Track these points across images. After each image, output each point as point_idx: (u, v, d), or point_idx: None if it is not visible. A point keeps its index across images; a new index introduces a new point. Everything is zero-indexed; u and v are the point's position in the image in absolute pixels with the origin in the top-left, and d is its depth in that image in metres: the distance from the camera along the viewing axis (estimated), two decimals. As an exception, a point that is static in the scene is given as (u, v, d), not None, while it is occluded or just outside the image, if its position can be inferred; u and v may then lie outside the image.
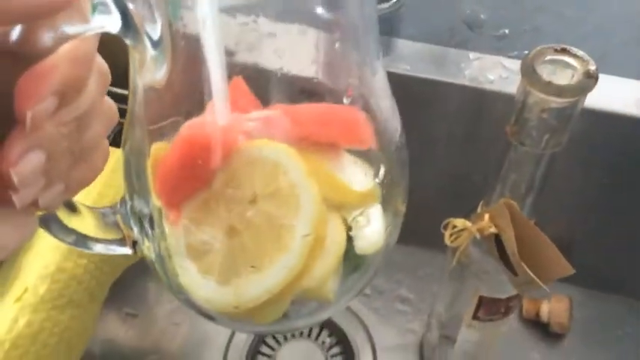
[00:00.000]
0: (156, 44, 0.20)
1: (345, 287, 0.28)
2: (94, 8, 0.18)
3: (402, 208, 0.30)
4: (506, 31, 0.49)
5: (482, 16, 0.50)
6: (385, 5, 0.50)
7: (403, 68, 0.47)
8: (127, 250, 0.28)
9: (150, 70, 0.21)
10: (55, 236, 0.25)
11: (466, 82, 0.46)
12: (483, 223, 0.38)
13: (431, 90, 0.47)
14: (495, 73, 0.46)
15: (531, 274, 0.36)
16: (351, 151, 0.27)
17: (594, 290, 0.59)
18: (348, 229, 0.27)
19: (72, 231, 0.25)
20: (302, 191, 0.24)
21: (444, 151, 0.51)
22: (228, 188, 0.24)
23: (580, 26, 0.49)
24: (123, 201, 0.27)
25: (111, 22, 0.19)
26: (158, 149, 0.25)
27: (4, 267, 0.43)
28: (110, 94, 0.22)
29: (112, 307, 0.58)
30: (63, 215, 0.25)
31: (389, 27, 0.49)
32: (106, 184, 0.44)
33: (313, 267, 0.25)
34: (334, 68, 0.25)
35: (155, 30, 0.20)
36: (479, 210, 0.41)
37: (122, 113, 0.24)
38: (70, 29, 0.17)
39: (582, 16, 0.50)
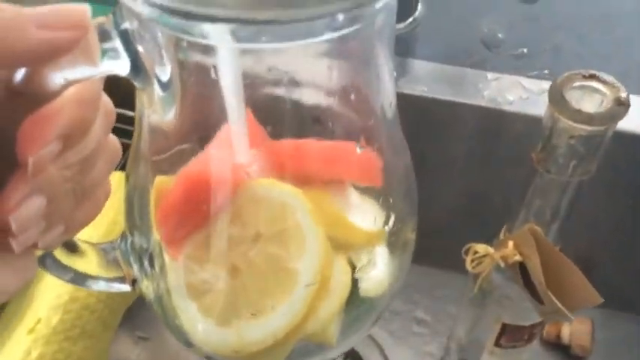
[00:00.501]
0: (165, 86, 0.20)
1: (348, 329, 0.27)
2: (104, 53, 0.17)
3: (409, 249, 0.29)
4: (525, 50, 0.48)
5: (499, 35, 0.49)
6: (401, 25, 0.49)
7: (420, 90, 0.46)
8: (126, 288, 0.27)
9: (157, 111, 0.21)
10: (52, 274, 0.24)
11: (484, 103, 0.45)
12: (507, 251, 0.37)
13: (449, 111, 0.46)
14: (514, 93, 0.45)
15: (559, 304, 0.35)
16: (358, 188, 0.26)
17: (617, 311, 0.57)
18: (353, 270, 0.26)
19: (69, 268, 0.25)
20: (308, 234, 0.24)
21: (462, 171, 0.50)
22: (232, 225, 0.24)
23: (600, 45, 0.48)
24: (123, 236, 0.26)
25: (120, 66, 0.18)
26: (161, 183, 0.24)
27: (16, 296, 0.42)
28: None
29: (123, 331, 0.57)
30: (60, 254, 0.24)
31: (405, 47, 0.48)
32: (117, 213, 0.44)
33: (317, 312, 0.25)
34: (347, 104, 0.24)
35: (165, 72, 0.19)
36: (501, 236, 0.40)
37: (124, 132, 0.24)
38: (77, 72, 0.17)
39: (602, 35, 0.49)
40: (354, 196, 0.26)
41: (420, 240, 0.57)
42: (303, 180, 0.25)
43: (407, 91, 0.46)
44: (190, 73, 0.20)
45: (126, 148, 0.23)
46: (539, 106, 0.44)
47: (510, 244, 0.37)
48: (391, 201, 0.27)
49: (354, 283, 0.26)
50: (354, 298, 0.26)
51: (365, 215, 0.26)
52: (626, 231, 0.51)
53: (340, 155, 0.25)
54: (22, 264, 0.19)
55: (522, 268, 0.38)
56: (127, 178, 0.25)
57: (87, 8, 0.16)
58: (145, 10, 0.17)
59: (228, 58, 0.19)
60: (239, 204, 0.24)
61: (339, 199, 0.26)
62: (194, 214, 0.24)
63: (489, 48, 0.48)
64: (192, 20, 0.17)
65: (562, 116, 0.29)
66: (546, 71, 0.46)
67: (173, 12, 0.16)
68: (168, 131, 0.22)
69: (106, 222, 0.43)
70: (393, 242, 0.27)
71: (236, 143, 0.23)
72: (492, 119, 0.45)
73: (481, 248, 0.40)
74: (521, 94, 0.45)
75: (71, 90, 0.17)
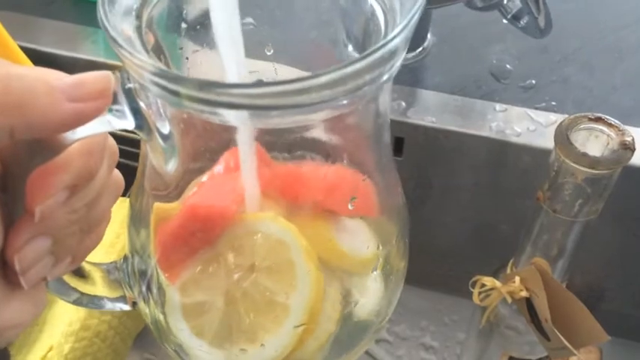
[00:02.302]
0: (166, 138, 0.21)
1: (339, 355, 0.27)
2: (109, 110, 0.18)
3: (401, 276, 0.30)
4: (533, 81, 0.48)
5: (508, 66, 0.49)
6: (410, 55, 0.50)
7: (429, 120, 0.46)
8: (127, 307, 0.28)
9: (159, 160, 0.22)
10: (56, 296, 0.25)
11: (492, 135, 0.45)
12: (514, 287, 0.37)
13: (457, 142, 0.46)
14: (522, 125, 0.45)
15: (565, 341, 0.35)
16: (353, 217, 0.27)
17: (626, 340, 0.57)
18: (346, 295, 0.26)
19: (73, 289, 0.25)
20: (299, 273, 0.24)
21: (470, 200, 0.50)
22: (228, 255, 0.24)
23: (608, 76, 0.48)
24: (125, 258, 0.27)
25: (126, 124, 0.19)
26: (160, 210, 0.25)
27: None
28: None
29: (132, 351, 0.58)
30: (66, 277, 0.25)
31: (414, 77, 0.49)
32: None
33: (304, 344, 0.25)
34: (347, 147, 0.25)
35: (165, 126, 0.20)
36: (508, 270, 0.40)
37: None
38: (88, 130, 0.18)
39: (610, 66, 0.49)
40: (348, 222, 0.27)
41: (427, 265, 0.57)
42: (300, 205, 0.26)
43: (415, 121, 0.46)
44: (188, 127, 0.21)
45: (129, 170, 0.24)
46: (546, 138, 0.44)
47: (517, 279, 0.37)
48: (383, 228, 0.27)
49: (346, 309, 0.26)
50: (347, 323, 0.27)
51: (358, 242, 0.27)
52: (635, 260, 0.51)
53: (339, 184, 0.26)
54: (33, 297, 0.19)
55: (529, 303, 0.38)
56: (131, 206, 0.26)
57: (110, 76, 0.17)
58: (155, 91, 0.18)
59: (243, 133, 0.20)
60: (236, 235, 0.24)
61: (334, 224, 0.26)
62: (192, 240, 0.25)
63: (498, 79, 0.48)
64: (209, 106, 0.17)
65: (567, 159, 0.30)
66: (554, 103, 0.47)
67: (190, 99, 0.17)
68: (169, 176, 0.22)
69: (111, 235, 0.44)
70: (385, 269, 0.28)
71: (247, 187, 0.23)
72: (500, 150, 0.46)
73: (488, 281, 0.40)
74: (528, 126, 0.45)
75: (79, 142, 0.18)
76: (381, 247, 0.27)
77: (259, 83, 0.17)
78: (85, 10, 0.55)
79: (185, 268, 0.25)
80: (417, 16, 0.18)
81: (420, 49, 0.51)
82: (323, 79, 0.16)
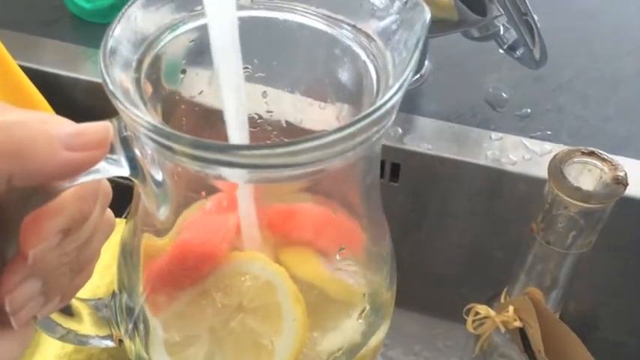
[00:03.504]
0: (159, 184, 0.21)
1: None
2: (105, 159, 0.18)
3: (389, 313, 0.30)
4: (529, 110, 0.49)
5: (504, 94, 0.50)
6: (407, 82, 0.50)
7: (425, 147, 0.47)
8: (113, 345, 0.28)
9: (152, 204, 0.22)
10: (43, 331, 0.25)
11: (488, 163, 0.46)
12: (508, 317, 0.37)
13: (452, 169, 0.47)
14: (517, 154, 0.46)
15: (558, 372, 0.35)
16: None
17: (619, 369, 0.57)
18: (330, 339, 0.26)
19: (60, 326, 0.25)
20: (286, 316, 0.24)
21: (465, 226, 0.51)
22: (216, 293, 0.24)
23: (603, 106, 0.49)
24: (114, 294, 0.27)
25: (122, 171, 0.19)
26: (153, 245, 0.25)
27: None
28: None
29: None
30: (54, 315, 0.25)
31: (410, 104, 0.49)
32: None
33: None
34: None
35: (158, 174, 0.20)
36: (502, 298, 0.40)
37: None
38: (83, 177, 0.18)
39: (606, 96, 0.50)
40: (337, 263, 0.27)
41: (422, 290, 0.57)
42: (288, 242, 0.26)
43: (411, 147, 0.47)
44: (182, 177, 0.21)
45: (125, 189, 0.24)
46: (541, 167, 0.45)
47: (511, 308, 0.38)
48: (370, 276, 0.27)
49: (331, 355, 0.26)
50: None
51: (344, 275, 0.27)
52: (628, 289, 0.51)
53: (329, 225, 0.26)
54: (21, 336, 0.19)
55: (522, 333, 0.38)
56: (122, 241, 0.26)
57: (109, 127, 0.17)
58: (150, 145, 0.18)
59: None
60: (225, 273, 0.25)
61: (322, 261, 0.27)
62: (181, 276, 0.25)
63: (494, 107, 0.49)
64: (202, 163, 0.18)
65: (561, 192, 0.30)
66: (549, 132, 0.47)
67: (182, 154, 0.17)
68: (162, 218, 0.22)
69: (101, 267, 0.44)
70: (369, 317, 0.28)
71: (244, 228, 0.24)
72: (495, 179, 0.46)
73: (482, 310, 0.40)
74: (524, 155, 0.46)
75: (72, 188, 0.18)
76: (366, 296, 0.27)
77: (253, 145, 0.17)
78: (86, 31, 0.56)
79: (172, 304, 0.25)
80: (408, 81, 0.19)
81: (418, 76, 0.51)
82: (315, 142, 0.17)
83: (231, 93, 0.20)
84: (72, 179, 0.17)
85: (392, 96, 0.18)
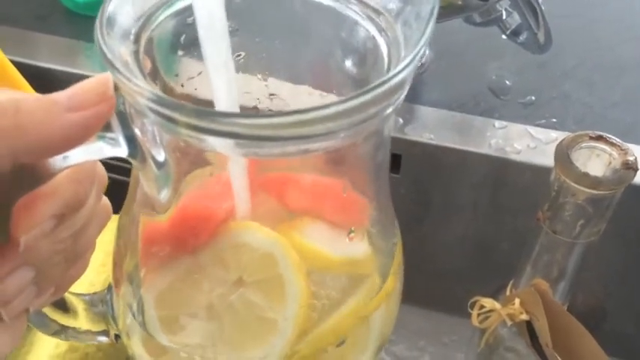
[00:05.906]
0: (160, 165, 0.20)
1: None
2: (102, 138, 0.17)
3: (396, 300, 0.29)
4: (533, 97, 0.47)
5: (507, 82, 0.48)
6: (408, 71, 0.49)
7: (427, 137, 0.45)
8: (109, 341, 0.27)
9: (152, 188, 0.21)
10: (35, 327, 0.24)
11: (492, 152, 0.44)
12: (514, 310, 0.36)
13: (455, 159, 0.45)
14: (522, 142, 0.45)
15: (566, 366, 0.34)
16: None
17: (628, 360, 0.56)
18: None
19: (53, 322, 0.24)
20: (289, 287, 0.23)
21: (469, 218, 0.49)
22: (214, 267, 0.23)
23: (609, 93, 0.48)
24: (110, 287, 0.26)
25: (119, 151, 0.18)
26: (150, 222, 0.24)
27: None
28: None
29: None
30: (47, 310, 0.24)
31: (412, 93, 0.48)
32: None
33: None
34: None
35: (160, 153, 0.19)
36: (508, 291, 0.39)
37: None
38: (78, 157, 0.17)
39: (611, 83, 0.48)
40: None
41: (426, 284, 0.56)
42: (291, 215, 0.25)
43: (414, 137, 0.46)
44: (184, 155, 0.20)
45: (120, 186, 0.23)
46: (547, 156, 0.44)
47: (517, 301, 0.36)
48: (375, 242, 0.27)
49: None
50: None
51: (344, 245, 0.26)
52: (638, 280, 0.50)
53: (330, 194, 0.25)
54: (12, 329, 0.19)
55: (529, 325, 0.37)
56: (118, 231, 0.25)
57: (109, 76, 0.16)
58: (152, 117, 0.17)
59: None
60: (223, 246, 0.23)
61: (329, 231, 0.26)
62: (179, 242, 0.24)
63: (497, 95, 0.48)
64: (206, 134, 0.17)
65: (568, 179, 0.29)
66: (554, 120, 0.46)
67: (186, 126, 0.16)
68: (162, 204, 0.21)
69: (96, 264, 0.43)
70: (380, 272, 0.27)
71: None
72: (499, 168, 0.45)
73: (488, 303, 0.39)
74: (528, 143, 0.45)
75: (67, 169, 0.17)
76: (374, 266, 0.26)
77: (259, 114, 0.16)
78: (80, 24, 0.55)
79: (170, 281, 0.24)
80: (422, 52, 0.18)
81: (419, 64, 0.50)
82: (326, 111, 0.16)
83: (220, 72, 0.19)
84: (66, 159, 0.16)
85: (405, 66, 0.17)
